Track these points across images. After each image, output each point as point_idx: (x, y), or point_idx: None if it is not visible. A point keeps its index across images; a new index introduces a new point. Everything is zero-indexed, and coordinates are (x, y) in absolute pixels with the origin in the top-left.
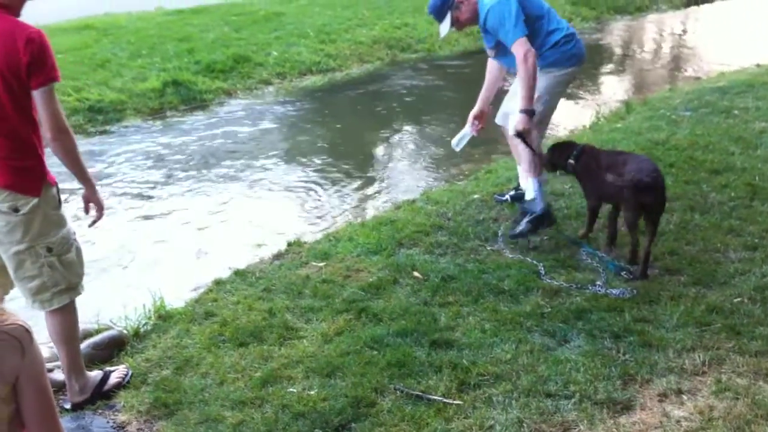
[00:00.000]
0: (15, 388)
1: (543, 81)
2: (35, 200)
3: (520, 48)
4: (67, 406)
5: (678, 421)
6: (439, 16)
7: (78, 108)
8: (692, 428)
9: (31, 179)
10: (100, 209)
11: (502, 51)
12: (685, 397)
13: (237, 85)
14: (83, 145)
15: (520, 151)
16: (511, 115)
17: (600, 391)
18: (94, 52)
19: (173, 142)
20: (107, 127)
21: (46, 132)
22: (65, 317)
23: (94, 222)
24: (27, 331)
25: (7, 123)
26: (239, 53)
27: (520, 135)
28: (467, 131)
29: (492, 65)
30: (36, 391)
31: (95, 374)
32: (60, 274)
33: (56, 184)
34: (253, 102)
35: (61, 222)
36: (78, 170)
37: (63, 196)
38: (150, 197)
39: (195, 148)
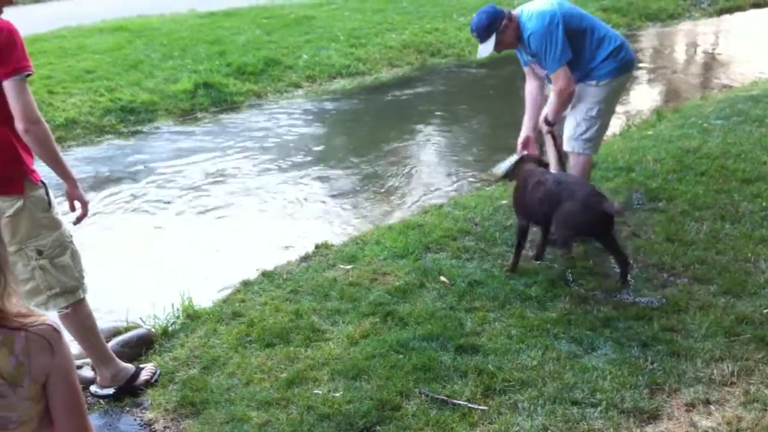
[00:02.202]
0: (45, 386)
1: (600, 93)
2: (20, 202)
3: (559, 79)
4: (93, 389)
5: None
6: (485, 36)
7: (111, 108)
8: None
9: (10, 177)
10: (84, 205)
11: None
12: (713, 408)
13: (267, 88)
14: (116, 145)
15: (578, 165)
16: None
17: (627, 400)
18: (127, 53)
19: (200, 145)
20: (139, 128)
21: (18, 123)
22: (73, 318)
23: (80, 219)
24: (56, 331)
25: None
26: (270, 56)
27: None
28: (515, 159)
29: (531, 88)
30: (66, 390)
31: (128, 366)
32: (53, 277)
33: (44, 184)
34: (283, 105)
35: (52, 224)
36: (55, 162)
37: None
38: (179, 199)
39: (223, 150)
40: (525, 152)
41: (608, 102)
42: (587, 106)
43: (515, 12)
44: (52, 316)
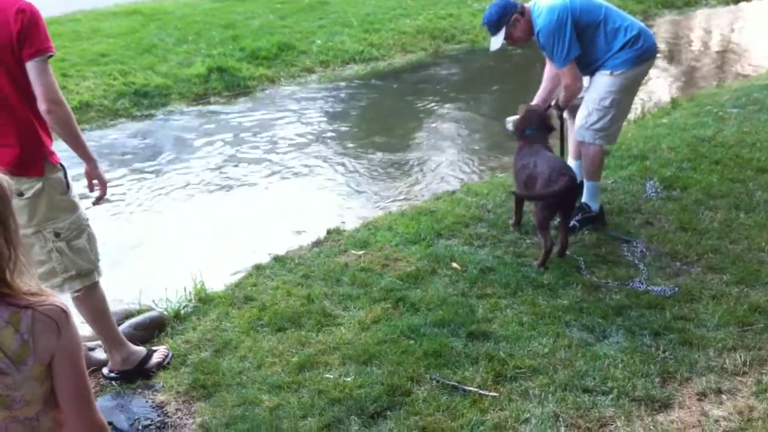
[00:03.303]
0: (50, 367)
1: (615, 83)
2: (39, 184)
3: (566, 77)
4: (105, 371)
5: (717, 421)
6: (494, 30)
7: (124, 92)
8: (731, 428)
9: (30, 159)
10: (104, 186)
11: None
12: (724, 397)
13: (280, 73)
14: (129, 128)
15: (588, 155)
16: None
17: (638, 388)
18: (141, 37)
19: (213, 129)
20: (152, 111)
21: (40, 104)
22: (86, 301)
23: (99, 199)
24: (63, 312)
25: (3, 101)
26: (283, 41)
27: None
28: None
29: (550, 71)
30: (70, 371)
31: (140, 349)
32: (69, 260)
33: (63, 167)
34: (296, 90)
35: (69, 207)
36: (76, 143)
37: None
38: (191, 183)
39: (236, 134)
40: (530, 105)
41: (624, 92)
42: (600, 95)
43: (528, 5)
44: (65, 299)
